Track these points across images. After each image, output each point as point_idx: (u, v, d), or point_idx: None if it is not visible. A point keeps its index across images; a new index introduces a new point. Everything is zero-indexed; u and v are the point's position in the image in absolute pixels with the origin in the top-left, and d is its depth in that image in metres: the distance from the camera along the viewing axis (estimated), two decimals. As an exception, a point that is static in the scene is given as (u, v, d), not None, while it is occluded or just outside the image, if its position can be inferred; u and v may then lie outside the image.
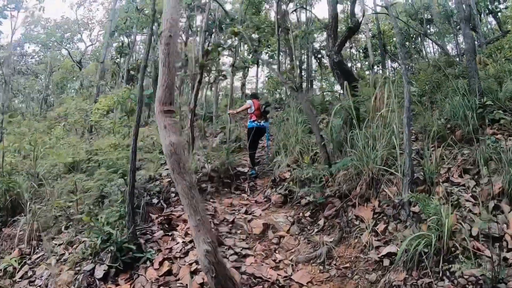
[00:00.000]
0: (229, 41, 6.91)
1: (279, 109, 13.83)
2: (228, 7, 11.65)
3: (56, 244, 3.77)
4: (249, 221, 3.65)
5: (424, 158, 3.49)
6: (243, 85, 20.07)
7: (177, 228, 3.62)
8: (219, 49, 6.69)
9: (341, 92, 6.16)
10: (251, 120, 6.19)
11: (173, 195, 4.67)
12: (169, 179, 5.32)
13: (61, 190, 4.69)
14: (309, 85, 14.34)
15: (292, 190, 4.40)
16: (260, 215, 3.92)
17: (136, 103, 6.73)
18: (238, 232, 3.60)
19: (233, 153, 7.16)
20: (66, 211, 4.19)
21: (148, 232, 3.55)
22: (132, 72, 14.84)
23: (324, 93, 12.42)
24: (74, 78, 15.74)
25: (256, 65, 19.53)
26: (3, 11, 6.00)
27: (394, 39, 14.04)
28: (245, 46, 18.86)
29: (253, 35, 10.82)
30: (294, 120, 6.31)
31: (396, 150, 3.47)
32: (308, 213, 3.64)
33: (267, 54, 17.18)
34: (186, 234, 3.47)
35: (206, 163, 5.65)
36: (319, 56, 15.99)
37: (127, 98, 6.02)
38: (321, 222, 3.55)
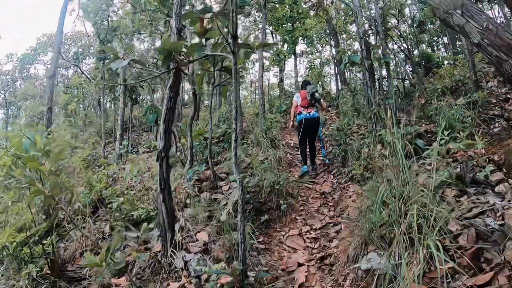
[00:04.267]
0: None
1: (330, 108, 10.28)
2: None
3: None
4: None
5: None
6: (281, 80, 15.69)
7: None
8: (207, 15, 3.10)
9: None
10: (298, 113, 5.53)
11: None
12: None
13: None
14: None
15: None
16: None
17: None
18: None
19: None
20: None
21: None
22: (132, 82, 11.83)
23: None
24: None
25: (293, 56, 15.36)
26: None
27: None
28: (277, 36, 14.39)
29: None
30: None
31: None
32: None
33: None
34: None
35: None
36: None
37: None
38: None
